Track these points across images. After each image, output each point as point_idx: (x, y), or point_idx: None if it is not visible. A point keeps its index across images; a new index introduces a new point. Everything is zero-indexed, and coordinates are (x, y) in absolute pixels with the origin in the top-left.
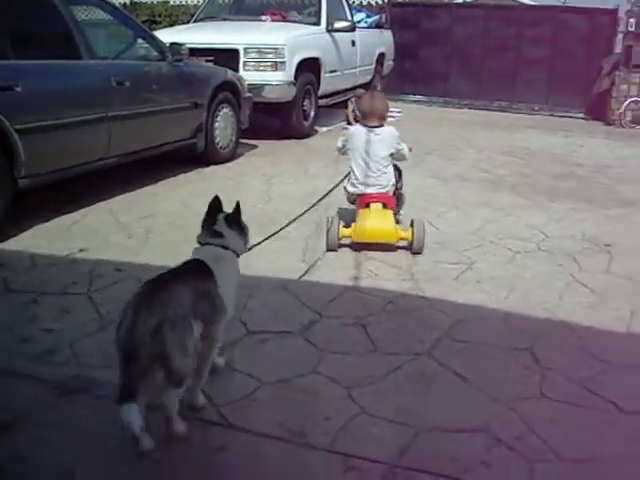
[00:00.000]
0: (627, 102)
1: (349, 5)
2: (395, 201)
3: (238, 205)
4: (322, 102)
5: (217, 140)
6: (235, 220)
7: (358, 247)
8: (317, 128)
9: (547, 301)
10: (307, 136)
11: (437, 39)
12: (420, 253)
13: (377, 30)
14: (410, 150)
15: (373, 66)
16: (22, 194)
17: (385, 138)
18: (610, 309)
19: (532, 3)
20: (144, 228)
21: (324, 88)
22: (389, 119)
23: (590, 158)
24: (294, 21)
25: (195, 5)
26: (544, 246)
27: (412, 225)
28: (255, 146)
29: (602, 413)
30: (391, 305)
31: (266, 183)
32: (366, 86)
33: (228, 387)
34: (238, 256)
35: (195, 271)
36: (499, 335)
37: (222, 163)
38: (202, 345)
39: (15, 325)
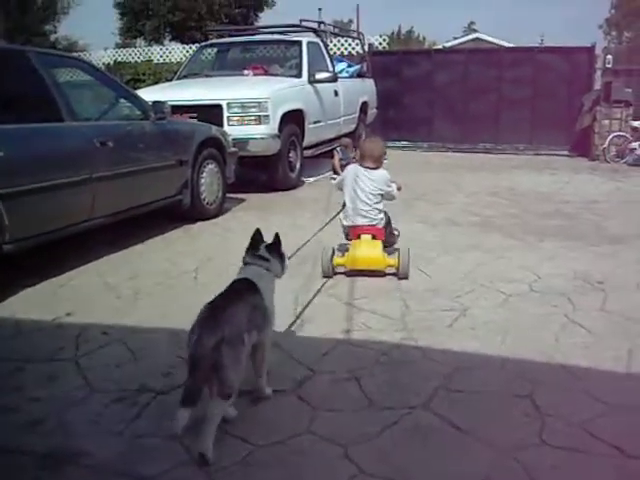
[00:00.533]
0: (610, 137)
1: (330, 56)
2: (384, 235)
3: (277, 235)
4: (307, 153)
5: (203, 196)
6: (275, 248)
7: (352, 275)
8: (304, 179)
9: (543, 344)
10: (294, 187)
11: (419, 85)
12: (406, 278)
13: (359, 79)
14: (399, 189)
15: (357, 115)
16: (7, 259)
17: (377, 179)
18: (608, 349)
19: (510, 45)
20: (132, 289)
21: (309, 139)
22: None
23: (576, 195)
24: (276, 74)
25: (178, 62)
26: (537, 287)
27: (398, 253)
28: (242, 200)
29: (605, 458)
30: (385, 357)
31: None
32: (350, 135)
33: (221, 451)
34: (276, 277)
35: (245, 287)
36: (497, 382)
37: (209, 219)
38: (257, 351)
39: None
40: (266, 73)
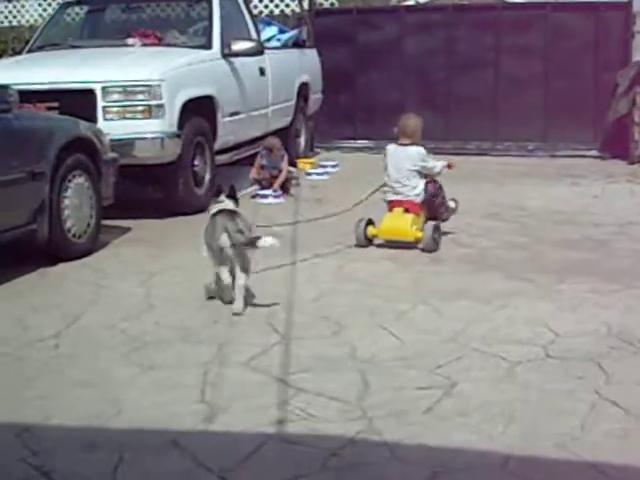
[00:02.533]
0: None
1: (253, 17)
2: (423, 208)
3: (233, 187)
4: (222, 159)
5: (68, 225)
6: (232, 195)
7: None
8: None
9: (563, 433)
10: (202, 210)
11: (383, 58)
12: (431, 251)
13: (296, 50)
14: (450, 167)
15: (293, 103)
16: None
17: (411, 155)
18: None
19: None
20: None
21: (223, 139)
22: (316, 177)
23: (610, 214)
24: (174, 44)
25: (32, 27)
26: (554, 350)
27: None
28: (127, 229)
29: None
30: (335, 459)
31: (143, 285)
32: (284, 132)
33: None
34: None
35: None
36: None
37: (77, 258)
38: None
39: None
40: (160, 43)
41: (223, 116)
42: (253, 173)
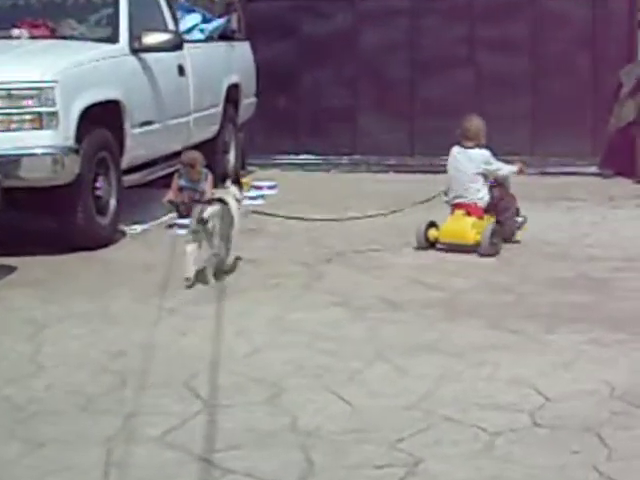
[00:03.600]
0: None
1: (170, 2)
2: (487, 212)
3: (237, 172)
4: (131, 180)
5: None
6: (236, 180)
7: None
8: (124, 228)
9: None
10: (106, 244)
11: (332, 53)
12: (490, 256)
13: (224, 44)
14: (520, 172)
15: (220, 109)
16: None
17: (473, 158)
18: None
19: None
20: None
21: (133, 154)
22: (249, 201)
23: (613, 245)
24: (71, 37)
25: None
26: (543, 417)
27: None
28: (12, 269)
29: None
30: None
31: (32, 340)
32: (209, 145)
33: None
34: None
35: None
36: None
37: None
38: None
39: None
40: (53, 35)
41: (132, 126)
42: (169, 196)
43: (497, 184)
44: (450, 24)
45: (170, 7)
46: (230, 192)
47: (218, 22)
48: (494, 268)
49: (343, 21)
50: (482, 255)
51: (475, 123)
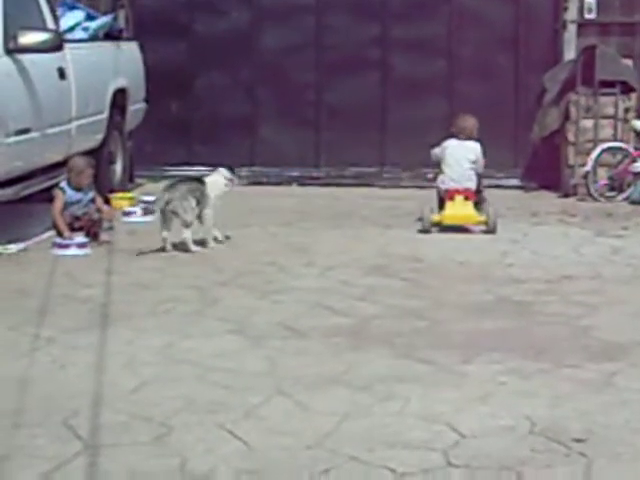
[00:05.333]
0: (598, 152)
1: None
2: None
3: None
4: (5, 195)
5: None
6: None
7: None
8: None
9: None
10: None
11: (229, 55)
12: (493, 233)
13: (110, 44)
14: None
15: (105, 116)
16: None
17: (470, 148)
18: None
19: None
20: None
21: (6, 166)
22: (137, 218)
23: (535, 265)
24: None
25: None
26: (457, 456)
27: (487, 209)
28: None
29: None
30: None
31: None
32: (95, 154)
33: None
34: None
35: (195, 179)
36: None
37: None
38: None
39: None
40: None
41: (6, 135)
42: (56, 213)
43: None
44: (360, 23)
45: (50, 3)
46: (220, 171)
47: (103, 20)
48: (403, 292)
49: (241, 19)
50: (487, 232)
51: (470, 121)
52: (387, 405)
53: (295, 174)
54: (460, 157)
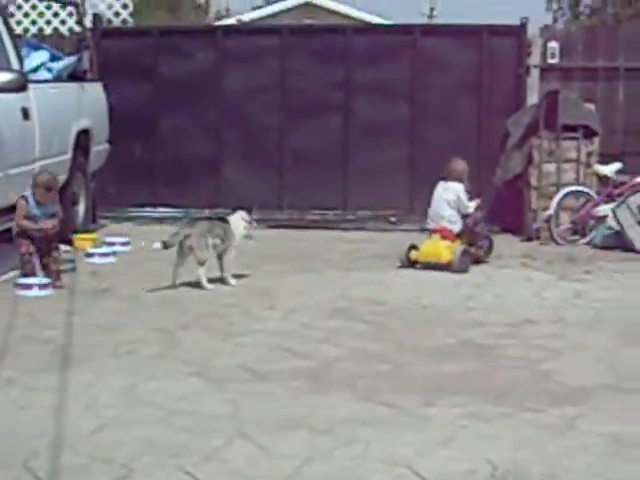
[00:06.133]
0: (560, 196)
1: (14, 37)
2: (461, 237)
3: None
4: None
5: None
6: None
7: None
8: None
9: None
10: None
11: (193, 97)
12: (461, 272)
13: (74, 85)
14: (477, 208)
15: (69, 157)
16: None
17: (450, 190)
18: None
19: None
20: None
21: None
22: (100, 259)
23: (497, 309)
24: None
25: None
26: None
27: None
28: None
29: None
30: None
31: None
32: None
33: None
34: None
35: (218, 218)
36: None
37: None
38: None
39: None
40: None
41: None
42: (23, 223)
43: (468, 214)
44: (324, 67)
45: (14, 43)
46: (239, 214)
47: (68, 61)
48: (365, 335)
49: (205, 61)
50: (454, 272)
51: (459, 165)
52: (349, 449)
53: (257, 217)
54: (438, 197)
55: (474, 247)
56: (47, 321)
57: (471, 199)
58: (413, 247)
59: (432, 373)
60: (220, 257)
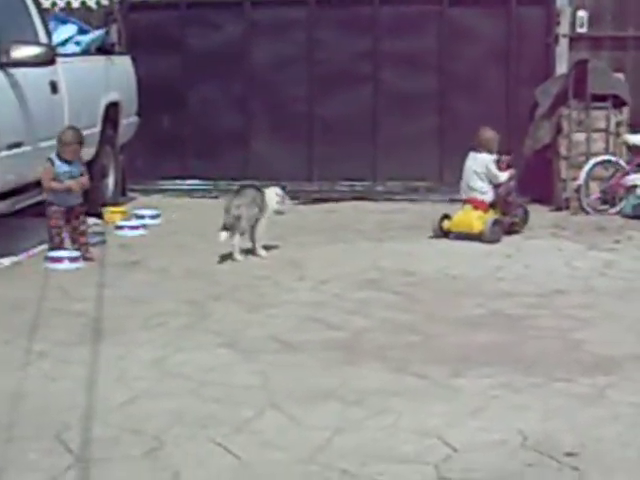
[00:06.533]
0: (590, 165)
1: (42, 11)
2: (493, 206)
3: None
4: None
5: None
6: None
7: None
8: None
9: None
10: None
11: (221, 69)
12: (492, 242)
13: (102, 58)
14: (511, 178)
15: (98, 129)
16: None
17: (479, 161)
18: None
19: None
20: None
21: (0, 180)
22: (130, 231)
23: (527, 279)
24: None
25: None
26: (450, 470)
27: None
28: None
29: None
30: None
31: None
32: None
33: None
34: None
35: (255, 187)
36: None
37: None
38: (257, 224)
39: None
40: None
41: None
42: (49, 184)
43: (501, 184)
44: (351, 37)
45: (42, 17)
46: (272, 189)
47: (96, 34)
48: (396, 306)
49: (233, 33)
50: (485, 242)
51: (488, 134)
52: (379, 419)
53: (287, 187)
54: (467, 168)
55: (508, 216)
56: (78, 294)
57: (507, 167)
58: (446, 217)
59: (462, 344)
60: (252, 228)
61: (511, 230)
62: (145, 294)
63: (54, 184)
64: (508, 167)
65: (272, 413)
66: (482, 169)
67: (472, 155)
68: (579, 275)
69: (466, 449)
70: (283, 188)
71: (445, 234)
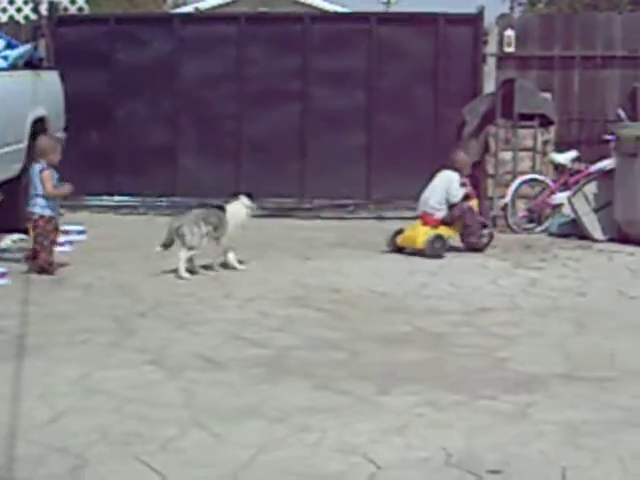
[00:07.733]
0: (516, 184)
1: None
2: (445, 224)
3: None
4: None
5: None
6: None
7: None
8: None
9: None
10: None
11: (150, 85)
12: (432, 257)
13: (29, 73)
14: (468, 197)
15: (24, 145)
16: None
17: (446, 176)
18: None
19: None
20: None
21: None
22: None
23: (454, 298)
24: None
25: None
26: None
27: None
28: None
29: None
30: None
31: None
32: (13, 184)
33: None
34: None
35: (216, 206)
36: None
37: None
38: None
39: None
40: None
41: None
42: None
43: (456, 204)
44: (281, 54)
45: None
46: (241, 200)
47: (23, 49)
48: (321, 323)
49: (162, 49)
50: (426, 257)
51: (460, 157)
52: (303, 437)
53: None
54: (432, 184)
55: (474, 237)
56: (1, 310)
57: (464, 185)
58: (399, 232)
59: (387, 361)
60: (218, 244)
61: (476, 248)
62: (70, 310)
63: (57, 191)
64: (464, 185)
65: (196, 431)
66: (445, 184)
67: (442, 172)
68: (504, 293)
69: (391, 467)
70: (250, 196)
71: (399, 249)
